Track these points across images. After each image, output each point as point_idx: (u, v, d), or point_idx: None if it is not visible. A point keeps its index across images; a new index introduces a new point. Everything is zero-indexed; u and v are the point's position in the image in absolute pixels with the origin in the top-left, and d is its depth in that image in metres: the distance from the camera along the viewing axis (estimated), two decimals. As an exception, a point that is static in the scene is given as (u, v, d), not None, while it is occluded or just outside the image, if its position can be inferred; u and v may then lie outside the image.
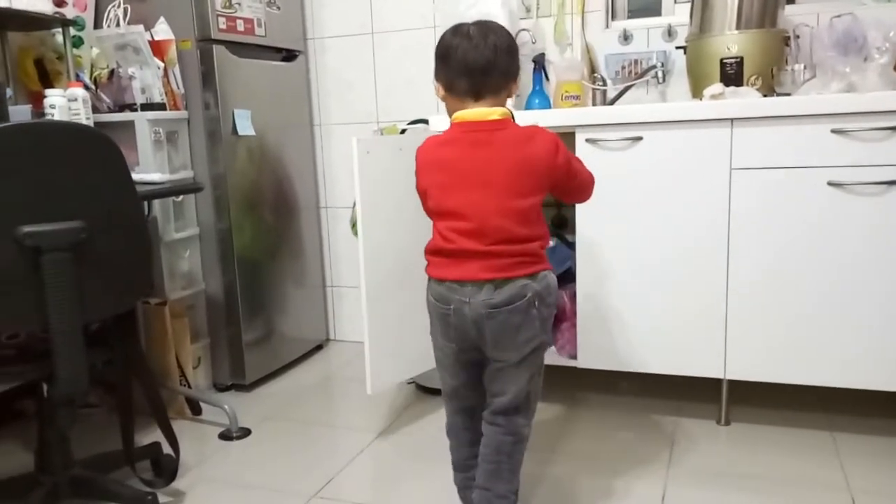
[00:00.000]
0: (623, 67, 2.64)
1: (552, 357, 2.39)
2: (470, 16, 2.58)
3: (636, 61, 2.62)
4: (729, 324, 2.09)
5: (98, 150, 1.60)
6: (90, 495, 1.85)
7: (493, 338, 1.51)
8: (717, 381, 2.20)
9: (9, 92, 2.23)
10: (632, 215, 2.14)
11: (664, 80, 2.57)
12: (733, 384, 2.19)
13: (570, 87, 2.55)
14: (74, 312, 1.57)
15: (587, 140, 2.14)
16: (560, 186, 1.57)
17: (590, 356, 2.27)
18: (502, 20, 2.55)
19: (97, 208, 1.59)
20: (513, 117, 1.54)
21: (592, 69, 2.65)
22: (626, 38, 2.64)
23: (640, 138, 2.09)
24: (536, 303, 1.49)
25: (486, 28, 1.52)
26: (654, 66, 2.56)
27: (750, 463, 2.00)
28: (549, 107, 2.58)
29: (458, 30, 1.53)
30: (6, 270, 1.50)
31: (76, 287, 1.55)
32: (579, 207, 2.18)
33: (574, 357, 2.31)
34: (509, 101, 1.58)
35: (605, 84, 2.62)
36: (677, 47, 2.49)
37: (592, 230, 2.19)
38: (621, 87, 2.59)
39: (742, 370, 2.11)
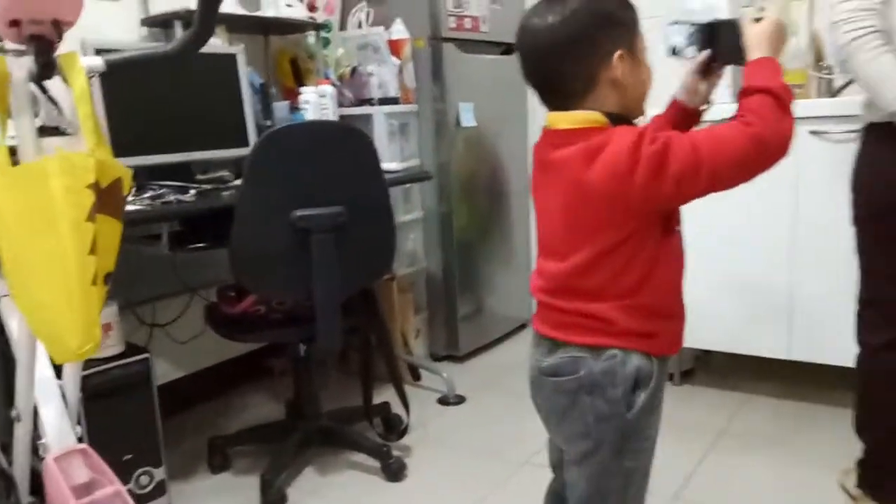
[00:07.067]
0: (854, 55, 2.51)
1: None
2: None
3: (869, 49, 2.48)
4: None
5: (357, 145, 1.85)
6: (336, 443, 2.14)
7: (543, 414, 1.17)
8: None
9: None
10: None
11: (900, 68, 2.42)
12: None
13: (793, 77, 2.48)
14: (335, 285, 1.83)
15: (811, 132, 2.10)
16: (669, 200, 1.03)
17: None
18: (723, 7, 2.53)
19: (355, 195, 1.83)
20: (611, 121, 1.02)
21: (818, 58, 2.56)
22: (858, 23, 2.51)
23: (871, 132, 2.02)
24: (590, 389, 1.06)
25: (538, 10, 1.05)
26: (889, 54, 2.42)
27: None
28: (770, 97, 2.53)
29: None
30: (281, 248, 1.78)
31: (337, 263, 1.81)
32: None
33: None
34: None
35: (831, 73, 2.52)
36: (918, 33, 2.33)
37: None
38: (849, 77, 2.48)
39: None
